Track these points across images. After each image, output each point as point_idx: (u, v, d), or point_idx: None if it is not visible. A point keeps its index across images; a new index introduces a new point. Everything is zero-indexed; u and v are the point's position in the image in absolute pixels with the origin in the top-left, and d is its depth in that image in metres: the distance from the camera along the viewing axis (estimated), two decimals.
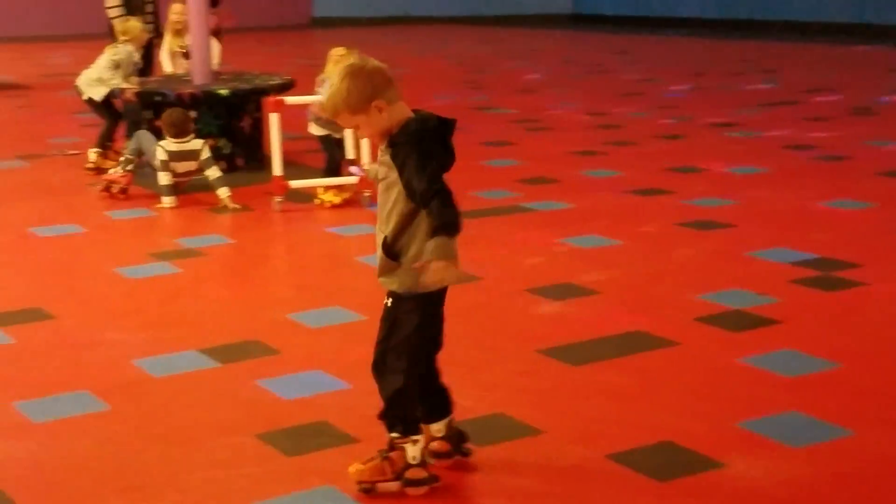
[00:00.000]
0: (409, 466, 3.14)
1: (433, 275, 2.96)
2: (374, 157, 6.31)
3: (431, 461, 3.23)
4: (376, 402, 3.78)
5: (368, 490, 3.14)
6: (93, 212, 6.75)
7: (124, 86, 7.96)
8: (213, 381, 4.07)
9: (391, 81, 3.06)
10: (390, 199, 3.06)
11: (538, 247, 5.88)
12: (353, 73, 3.03)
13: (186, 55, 8.36)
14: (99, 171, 7.73)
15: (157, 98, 7.67)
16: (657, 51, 17.25)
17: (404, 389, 3.14)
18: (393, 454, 3.14)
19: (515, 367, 4.16)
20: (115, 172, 7.06)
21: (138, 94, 7.78)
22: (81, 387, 3.98)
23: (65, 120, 10.23)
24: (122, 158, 7.15)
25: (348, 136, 6.63)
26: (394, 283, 3.11)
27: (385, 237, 3.08)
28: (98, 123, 8.32)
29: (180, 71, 8.70)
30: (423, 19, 22.64)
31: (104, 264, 5.60)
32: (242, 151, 7.92)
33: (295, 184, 6.67)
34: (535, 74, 14.26)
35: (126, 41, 8.23)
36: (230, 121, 7.79)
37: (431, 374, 3.28)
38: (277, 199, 6.58)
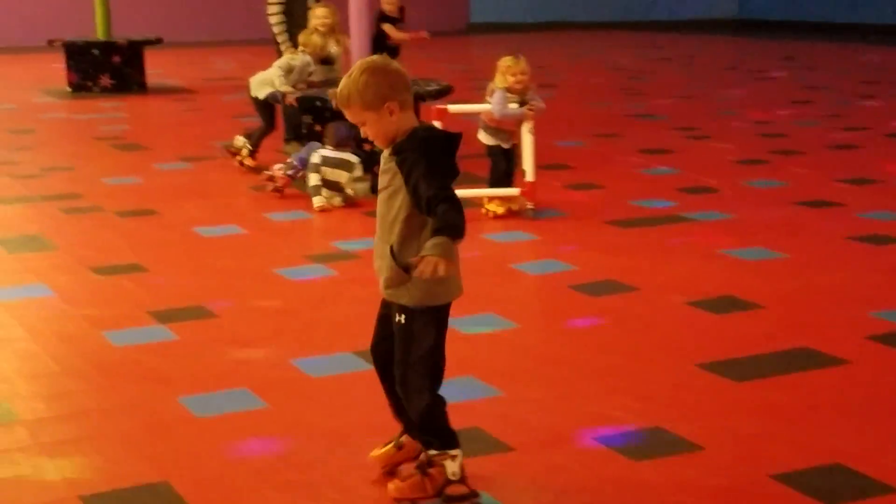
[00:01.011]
0: (448, 483, 3.11)
1: (426, 268, 2.82)
2: (537, 171, 6.38)
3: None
4: (530, 411, 3.82)
5: None
6: (252, 213, 6.96)
7: (285, 89, 8.20)
8: (368, 384, 4.10)
9: (408, 87, 3.04)
10: (394, 207, 3.02)
11: (698, 258, 5.78)
12: (375, 69, 3.01)
13: (326, 61, 8.54)
14: (233, 153, 8.28)
15: (317, 103, 7.87)
16: (827, 58, 16.73)
17: (434, 405, 3.12)
18: (432, 470, 3.12)
19: (673, 381, 4.10)
20: (279, 170, 7.29)
21: (298, 99, 8.00)
22: (241, 384, 4.11)
23: (227, 123, 10.57)
24: (287, 161, 7.37)
25: (527, 144, 6.52)
26: (404, 297, 3.05)
27: (391, 246, 3.03)
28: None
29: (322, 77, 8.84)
30: (581, 25, 22.55)
31: (263, 265, 5.76)
32: (376, 162, 8.02)
33: (457, 193, 6.60)
34: (696, 80, 14.02)
35: (305, 51, 8.46)
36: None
37: None
38: None
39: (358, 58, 8.14)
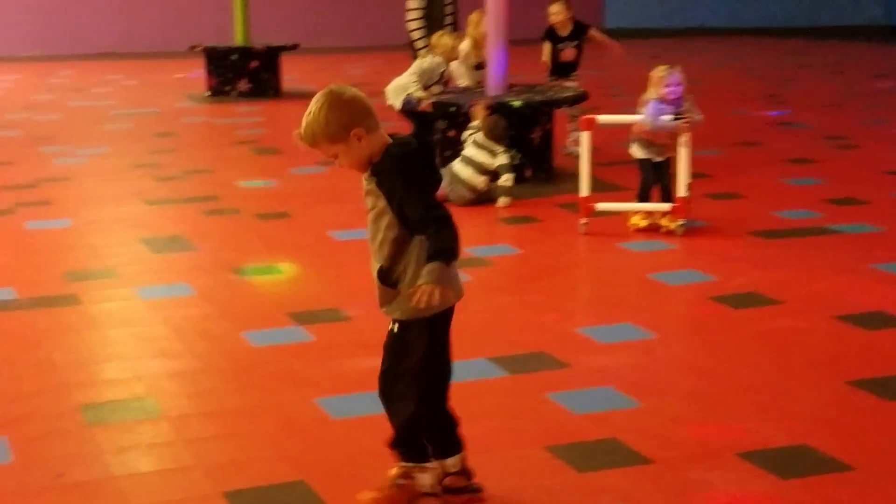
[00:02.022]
0: (419, 495, 3.15)
1: (421, 297, 2.89)
2: (689, 187, 6.25)
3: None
4: (669, 423, 3.76)
5: None
6: None
7: (419, 95, 8.30)
8: (503, 391, 4.15)
9: (370, 109, 3.03)
10: (381, 228, 3.04)
11: (846, 271, 5.63)
12: (331, 102, 2.99)
13: (480, 66, 8.58)
14: None
15: (452, 109, 7.94)
16: None
17: (415, 417, 3.13)
18: (406, 482, 3.16)
19: (822, 398, 4.00)
20: None
21: (434, 105, 8.09)
22: (374, 388, 4.14)
23: None
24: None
25: (682, 158, 6.28)
26: (396, 312, 3.09)
27: (381, 267, 3.06)
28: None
29: (471, 82, 8.93)
30: (718, 30, 22.17)
31: None
32: (531, 162, 8.05)
33: (602, 206, 6.47)
34: (843, 88, 13.63)
35: (435, 53, 8.59)
36: (521, 132, 7.93)
37: (443, 406, 3.22)
38: (583, 221, 6.41)
39: (500, 63, 8.19)
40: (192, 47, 13.58)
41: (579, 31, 8.93)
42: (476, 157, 7.30)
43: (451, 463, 3.21)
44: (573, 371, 4.32)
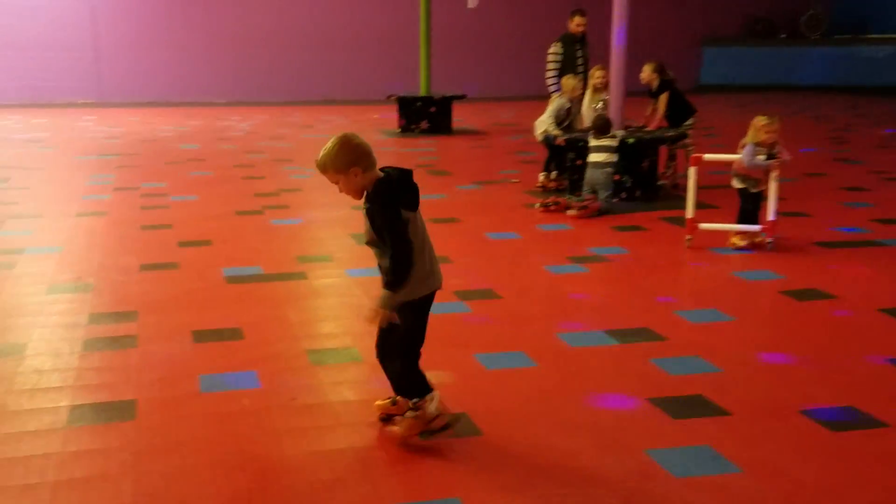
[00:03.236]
0: (433, 417, 3.15)
1: (374, 317, 3.01)
2: (776, 216, 6.04)
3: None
4: (746, 386, 3.66)
5: (428, 434, 3.16)
6: (528, 224, 7.04)
7: (555, 132, 8.29)
8: (615, 355, 4.12)
9: (369, 153, 3.03)
10: (384, 244, 3.02)
11: (889, 274, 5.33)
12: (342, 144, 3.01)
13: (603, 108, 8.48)
14: (543, 188, 8.41)
15: (580, 144, 7.89)
16: None
17: (406, 369, 3.16)
18: (419, 413, 3.16)
19: (865, 370, 3.80)
20: (569, 199, 7.41)
21: (566, 140, 8.06)
22: (519, 348, 4.19)
23: (510, 157, 10.76)
24: (576, 196, 7.45)
25: (772, 190, 6.01)
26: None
27: (380, 265, 3.08)
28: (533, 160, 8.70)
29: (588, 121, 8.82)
30: (795, 87, 21.22)
31: (535, 262, 5.84)
32: (640, 186, 7.92)
33: (704, 226, 6.24)
34: (889, 135, 12.86)
35: (562, 94, 8.56)
36: (633, 162, 7.82)
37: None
38: (688, 237, 6.19)
39: (617, 107, 8.09)
40: (389, 96, 13.84)
41: (661, 89, 8.69)
42: (598, 158, 7.33)
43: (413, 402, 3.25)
44: (670, 343, 4.25)
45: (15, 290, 5.04)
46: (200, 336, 4.29)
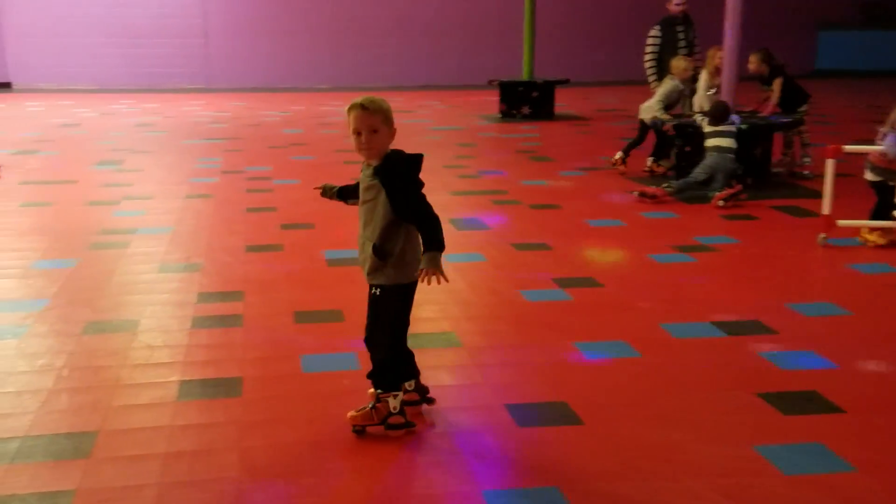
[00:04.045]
0: (390, 414, 3.16)
1: (429, 277, 2.96)
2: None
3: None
4: (862, 382, 3.52)
5: (360, 431, 3.16)
6: (630, 211, 6.93)
7: (664, 118, 8.12)
8: (721, 348, 4.02)
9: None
10: (377, 215, 3.04)
11: None
12: (390, 110, 3.09)
13: (717, 93, 8.27)
14: (651, 173, 8.29)
15: (689, 130, 7.70)
16: None
17: (391, 358, 3.16)
18: (379, 405, 3.16)
19: None
20: (663, 187, 7.25)
21: (675, 126, 7.88)
22: (621, 338, 4.14)
23: (612, 143, 10.59)
24: (666, 186, 7.28)
25: None
26: (381, 279, 3.10)
27: (374, 244, 3.06)
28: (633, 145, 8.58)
29: (706, 106, 8.61)
30: None
31: (638, 250, 5.74)
32: (752, 173, 7.68)
33: (843, 223, 5.89)
34: None
35: (673, 76, 8.38)
36: (745, 148, 7.58)
37: (405, 346, 3.25)
38: (822, 235, 5.86)
39: (729, 92, 7.88)
40: (490, 81, 13.83)
41: (773, 75, 8.38)
42: (723, 143, 7.16)
43: (407, 384, 3.30)
44: (781, 336, 4.12)
45: (128, 268, 5.29)
46: (302, 317, 4.40)
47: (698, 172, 7.22)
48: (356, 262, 5.42)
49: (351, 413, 3.21)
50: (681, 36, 9.30)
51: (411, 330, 4.18)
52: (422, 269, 2.98)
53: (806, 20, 20.78)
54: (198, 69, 18.47)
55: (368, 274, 3.14)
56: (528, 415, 3.32)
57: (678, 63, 8.37)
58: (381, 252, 3.06)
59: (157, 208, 6.97)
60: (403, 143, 9.03)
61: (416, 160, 3.08)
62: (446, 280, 3.02)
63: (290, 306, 4.56)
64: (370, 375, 3.23)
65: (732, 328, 4.22)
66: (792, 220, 6.39)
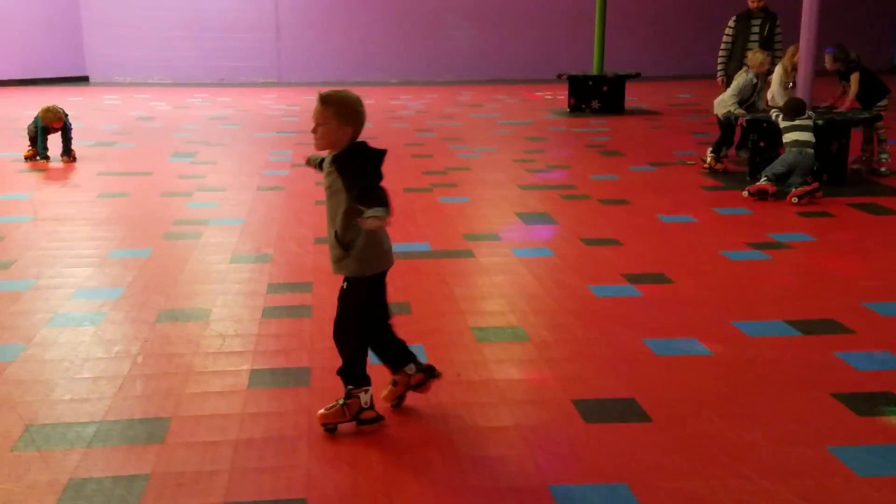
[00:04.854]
0: (361, 410, 3.16)
1: (371, 224, 2.85)
2: None
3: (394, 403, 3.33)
4: None
5: (332, 430, 3.15)
6: (702, 206, 6.82)
7: (738, 112, 7.97)
8: (795, 347, 3.93)
9: (362, 126, 3.06)
10: (336, 203, 3.02)
11: None
12: (355, 101, 3.05)
13: (793, 88, 8.09)
14: (710, 169, 8.11)
15: (763, 125, 7.54)
16: None
17: (357, 352, 3.14)
18: (350, 401, 3.15)
19: None
20: (761, 182, 7.10)
21: (748, 121, 7.73)
22: (692, 335, 4.08)
23: (685, 138, 10.43)
24: (763, 176, 7.13)
25: None
26: (345, 269, 3.09)
27: (335, 232, 3.04)
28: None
29: (780, 101, 8.42)
30: None
31: (710, 247, 5.65)
32: (828, 169, 7.48)
33: None
34: None
35: (749, 69, 8.23)
36: (821, 144, 7.38)
37: (389, 335, 3.26)
38: None
39: (805, 87, 7.68)
40: (560, 75, 13.74)
41: (851, 69, 8.14)
42: (801, 137, 7.00)
43: (408, 369, 3.30)
44: (858, 336, 4.01)
45: (201, 258, 5.43)
46: None
47: (776, 166, 7.04)
48: (422, 255, 5.54)
49: (321, 411, 3.18)
50: (755, 30, 9.14)
51: (477, 322, 4.23)
52: (365, 218, 2.87)
53: (886, 14, 20.11)
54: (270, 63, 18.79)
55: (334, 264, 3.12)
56: (595, 410, 3.30)
57: (755, 56, 8.21)
58: (342, 241, 3.04)
59: (230, 200, 7.13)
60: (472, 137, 9.02)
61: (374, 152, 3.05)
62: (370, 224, 2.86)
63: None
64: (339, 372, 3.20)
65: (807, 327, 4.13)
66: (869, 217, 6.20)
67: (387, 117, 12.63)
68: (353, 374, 3.17)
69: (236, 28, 18.55)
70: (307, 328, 4.19)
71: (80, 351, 3.93)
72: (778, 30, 9.23)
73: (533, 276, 5.02)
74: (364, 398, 3.17)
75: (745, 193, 7.06)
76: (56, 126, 8.76)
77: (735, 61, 9.19)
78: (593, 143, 10.16)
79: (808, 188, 6.85)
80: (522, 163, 8.85)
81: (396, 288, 4.76)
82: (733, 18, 9.32)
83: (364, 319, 3.14)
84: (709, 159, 8.16)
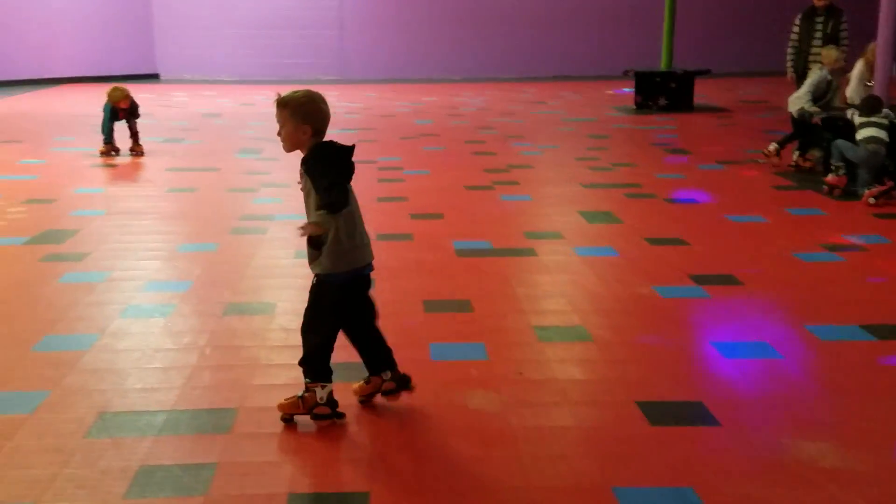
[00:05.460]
0: (317, 405, 3.19)
1: (305, 230, 3.00)
2: None
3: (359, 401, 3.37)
4: None
5: (288, 420, 3.22)
6: (773, 206, 6.69)
7: (812, 110, 7.80)
8: (869, 352, 3.84)
9: (325, 125, 3.13)
10: (311, 204, 3.07)
11: None
12: (312, 99, 3.12)
13: (871, 86, 7.90)
14: (797, 168, 8.01)
15: (839, 123, 7.36)
16: None
17: (320, 347, 3.17)
18: (307, 395, 3.20)
19: None
20: (833, 176, 7.01)
21: (823, 119, 7.56)
22: (762, 338, 4.01)
23: (755, 136, 10.24)
24: (833, 166, 7.06)
25: None
26: (318, 268, 3.14)
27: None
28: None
29: (859, 97, 8.22)
30: None
31: (781, 248, 5.54)
32: None
33: None
34: None
35: (823, 66, 8.06)
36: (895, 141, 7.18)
37: (375, 338, 3.31)
38: None
39: (882, 84, 7.49)
40: (626, 72, 13.60)
41: None
42: (876, 134, 6.85)
43: (384, 374, 3.34)
44: None
45: (267, 253, 5.53)
46: (431, 305, 4.48)
47: (847, 150, 6.96)
48: (483, 253, 5.55)
49: (280, 402, 3.27)
50: (818, 28, 9.01)
51: (539, 321, 4.23)
52: (305, 224, 3.03)
53: None
54: (332, 61, 19.00)
55: (309, 263, 3.18)
56: (660, 413, 3.27)
57: (829, 53, 8.03)
58: (313, 241, 3.10)
59: (294, 196, 7.23)
60: (534, 134, 9.01)
61: (340, 150, 3.11)
62: (306, 231, 3.02)
63: (419, 295, 4.65)
64: (300, 363, 3.25)
65: (882, 332, 4.02)
66: None
67: (448, 114, 12.67)
68: (312, 368, 3.22)
69: (300, 26, 18.80)
70: None
71: (151, 342, 4.04)
72: (844, 26, 9.07)
73: (596, 275, 4.99)
74: (320, 393, 3.21)
75: (825, 188, 7.04)
76: (123, 106, 8.98)
77: (802, 58, 9.10)
78: (659, 141, 10.04)
79: (883, 188, 6.68)
80: (586, 160, 8.80)
81: (457, 286, 4.79)
82: (799, 16, 9.30)
83: (335, 317, 3.19)
84: (772, 148, 8.11)
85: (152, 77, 18.81)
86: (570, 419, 3.25)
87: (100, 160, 8.94)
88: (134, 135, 9.20)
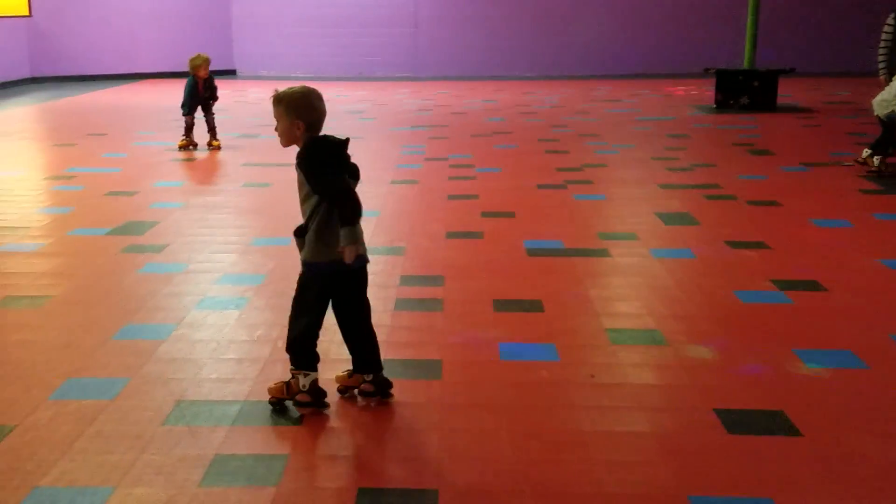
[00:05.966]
0: (298, 392, 3.27)
1: (348, 255, 3.10)
2: None
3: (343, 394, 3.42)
4: None
5: (275, 404, 3.32)
6: (860, 211, 6.48)
7: None
8: None
9: (320, 120, 3.19)
10: (309, 203, 3.16)
11: None
12: (307, 95, 3.18)
13: None
14: (879, 173, 7.73)
15: None
16: None
17: (303, 335, 3.23)
18: (291, 381, 3.29)
19: None
20: None
21: None
22: (847, 347, 3.89)
23: (842, 138, 9.93)
24: None
25: None
26: (303, 255, 3.21)
27: (300, 225, 3.21)
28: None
29: None
30: None
31: (868, 254, 5.36)
32: None
33: None
34: None
35: None
36: None
37: (364, 337, 3.33)
38: None
39: None
40: (707, 70, 13.34)
41: None
42: None
43: (366, 375, 3.37)
44: None
45: None
46: (501, 305, 4.46)
47: None
48: (555, 253, 5.50)
49: (269, 385, 3.39)
50: None
51: (612, 324, 4.17)
52: (341, 248, 3.10)
53: None
54: (406, 58, 19.11)
55: (300, 251, 3.27)
56: (739, 421, 3.20)
57: None
58: (300, 231, 3.21)
59: (365, 192, 7.24)
60: (608, 133, 8.94)
61: (333, 144, 3.16)
62: (357, 254, 3.12)
63: (489, 294, 4.63)
64: (287, 349, 3.33)
65: None
66: None
67: (520, 112, 12.62)
68: (295, 356, 3.30)
69: (375, 24, 18.96)
70: (438, 322, 4.25)
71: (226, 333, 4.12)
72: None
73: (672, 278, 4.90)
74: (303, 381, 3.28)
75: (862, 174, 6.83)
76: (202, 75, 9.28)
77: (894, 59, 8.79)
78: (741, 141, 9.82)
79: None
80: (663, 160, 8.66)
81: (528, 286, 4.76)
82: (892, 15, 8.96)
83: (311, 309, 3.23)
84: (876, 162, 7.73)
85: (230, 73, 19.21)
86: (644, 425, 3.20)
87: (179, 154, 9.17)
88: (211, 129, 9.44)
